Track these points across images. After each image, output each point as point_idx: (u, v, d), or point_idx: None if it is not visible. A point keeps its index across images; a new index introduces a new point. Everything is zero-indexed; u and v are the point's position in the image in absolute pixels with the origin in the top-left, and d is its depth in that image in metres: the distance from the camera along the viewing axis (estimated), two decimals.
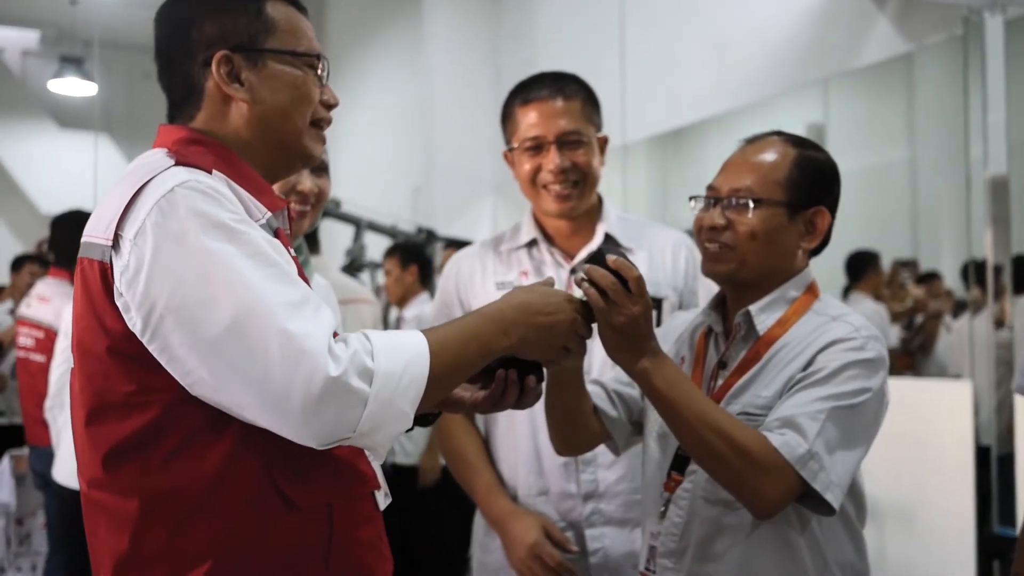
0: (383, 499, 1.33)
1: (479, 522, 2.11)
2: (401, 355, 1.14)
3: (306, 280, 1.24)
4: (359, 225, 5.55)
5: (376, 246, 5.71)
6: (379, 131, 7.90)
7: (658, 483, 1.60)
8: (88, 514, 1.23)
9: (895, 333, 4.29)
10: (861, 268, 4.37)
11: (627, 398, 1.70)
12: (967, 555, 3.21)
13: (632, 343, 1.42)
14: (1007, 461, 3.26)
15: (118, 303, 1.14)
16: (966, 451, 3.25)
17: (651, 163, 5.71)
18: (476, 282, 2.07)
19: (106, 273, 1.15)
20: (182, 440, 1.16)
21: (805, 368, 1.48)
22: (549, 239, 2.07)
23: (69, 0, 7.32)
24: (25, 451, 4.18)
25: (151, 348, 1.13)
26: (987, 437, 3.37)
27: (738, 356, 1.57)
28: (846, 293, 4.38)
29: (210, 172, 1.19)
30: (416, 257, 4.65)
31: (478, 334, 1.24)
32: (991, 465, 3.32)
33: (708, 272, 1.59)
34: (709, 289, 1.91)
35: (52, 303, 3.85)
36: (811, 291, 1.60)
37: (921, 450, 3.38)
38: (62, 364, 3.38)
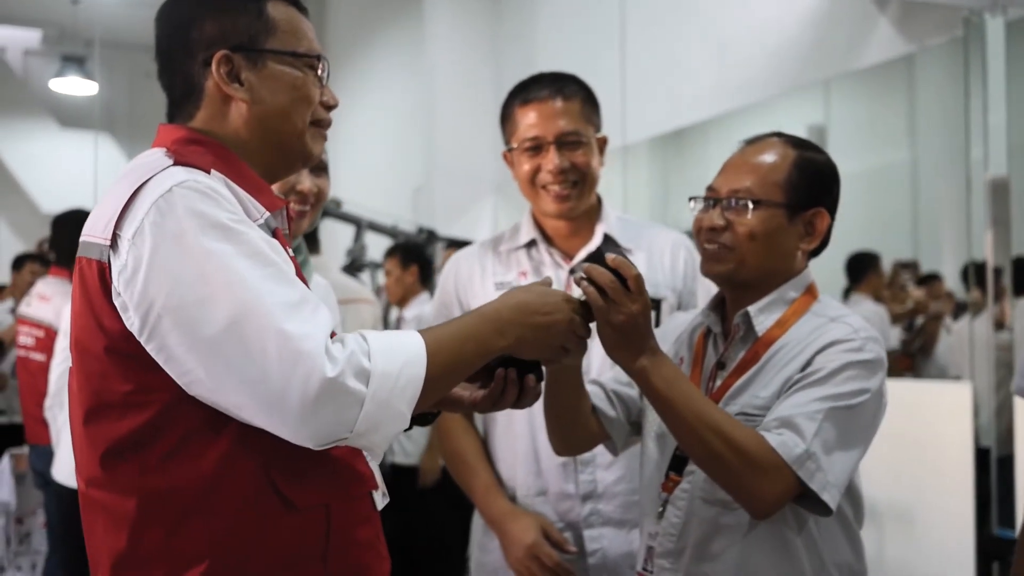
0: (381, 499, 1.33)
1: (477, 522, 2.11)
2: (398, 356, 1.14)
3: (304, 280, 1.24)
4: (360, 225, 5.55)
5: (377, 246, 5.71)
6: (380, 131, 7.91)
7: (656, 483, 1.61)
8: (86, 513, 1.23)
9: (895, 334, 4.29)
10: (861, 269, 4.37)
11: (626, 398, 1.70)
12: (966, 557, 3.21)
13: (631, 342, 1.42)
14: (1007, 463, 3.26)
15: (116, 303, 1.15)
16: (966, 453, 3.24)
17: (652, 164, 5.70)
18: (475, 282, 2.07)
19: (104, 272, 1.16)
20: (180, 440, 1.16)
21: (803, 369, 1.48)
22: (548, 239, 2.07)
23: None
24: (25, 450, 4.18)
25: (148, 348, 1.13)
26: (987, 439, 3.36)
27: (737, 357, 1.57)
28: (846, 294, 4.38)
29: (208, 172, 1.19)
30: (416, 257, 4.65)
31: (475, 334, 1.24)
32: (991, 467, 3.32)
33: (707, 272, 1.59)
34: (708, 290, 1.91)
35: (52, 302, 3.85)
36: (810, 292, 1.60)
37: (921, 452, 3.37)
38: (62, 363, 3.38)
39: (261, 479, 1.17)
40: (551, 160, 1.96)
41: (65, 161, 8.07)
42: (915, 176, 4.42)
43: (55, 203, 5.46)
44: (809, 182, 1.56)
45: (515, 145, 2.02)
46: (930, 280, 4.26)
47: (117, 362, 1.16)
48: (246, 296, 1.10)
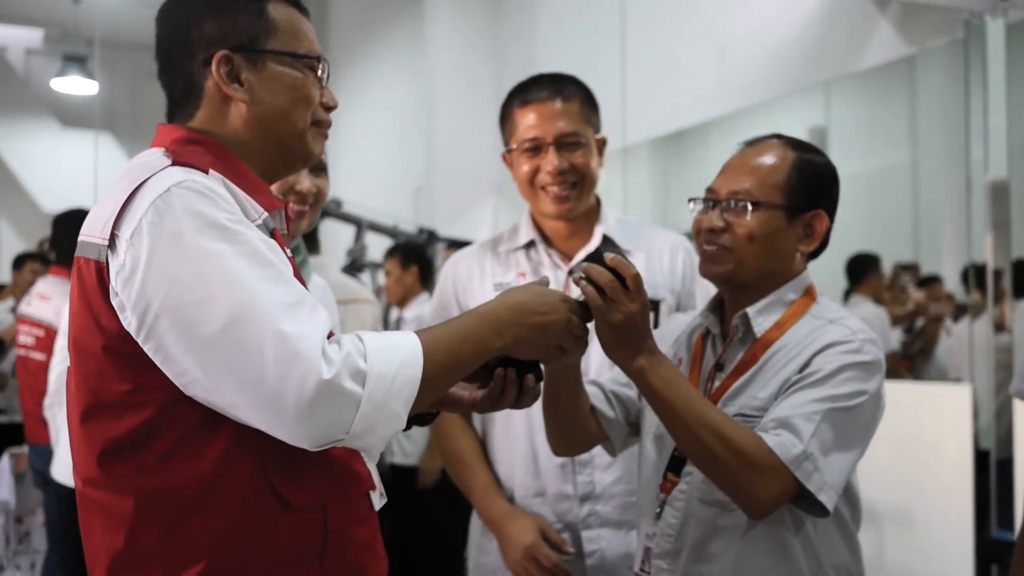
0: (378, 499, 1.33)
1: (476, 523, 2.11)
2: (394, 356, 1.14)
3: (302, 281, 1.24)
4: (360, 225, 5.55)
5: (377, 246, 5.71)
6: (381, 131, 7.91)
7: (654, 484, 1.61)
8: (83, 512, 1.23)
9: (896, 336, 4.29)
10: (862, 271, 4.37)
11: (624, 399, 1.70)
12: (966, 559, 3.21)
13: (629, 341, 1.42)
14: (1006, 465, 3.26)
15: (113, 302, 1.15)
16: (965, 455, 3.24)
17: (652, 165, 5.71)
18: (474, 283, 2.07)
19: (102, 272, 1.16)
20: (177, 440, 1.16)
21: (801, 370, 1.49)
22: (547, 240, 2.07)
23: None
24: (25, 449, 4.18)
25: (146, 348, 1.13)
26: (986, 441, 3.37)
27: (735, 358, 1.58)
28: (847, 296, 4.38)
29: (207, 172, 1.19)
30: (416, 258, 4.65)
31: (472, 334, 1.24)
32: (990, 469, 3.32)
33: (706, 273, 1.60)
34: (707, 291, 1.91)
35: (52, 301, 3.85)
36: (808, 294, 1.60)
37: (920, 454, 3.37)
38: (61, 362, 3.38)
39: (258, 479, 1.17)
40: (550, 161, 1.96)
41: (66, 161, 8.06)
42: (916, 178, 4.42)
43: (56, 202, 5.47)
44: (808, 184, 1.56)
45: (514, 146, 2.02)
46: (930, 282, 4.26)
47: (115, 362, 1.16)
48: (244, 296, 1.10)
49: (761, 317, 1.56)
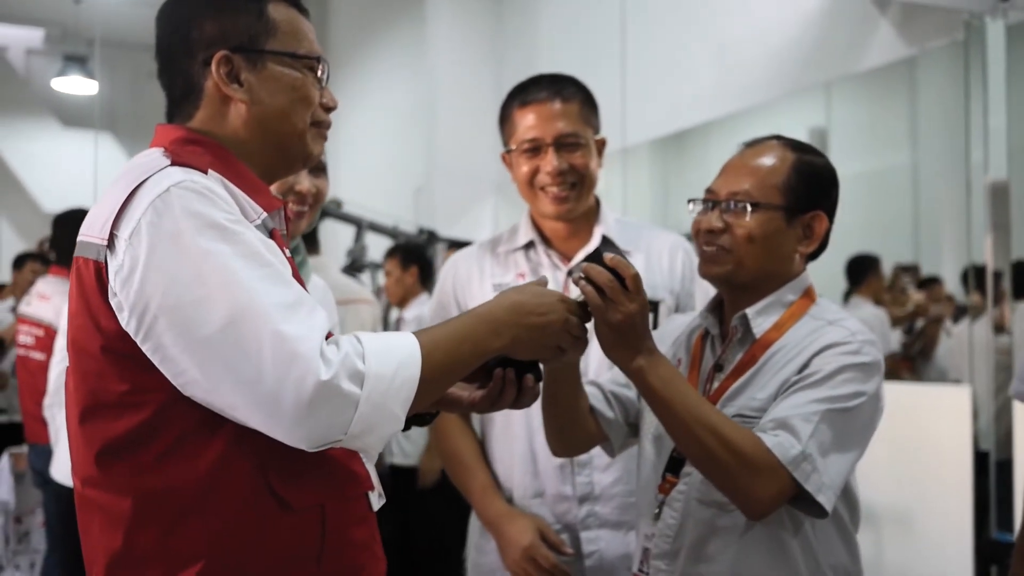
0: (377, 500, 1.33)
1: (474, 524, 2.11)
2: (392, 357, 1.14)
3: (301, 281, 1.24)
4: (360, 225, 5.55)
5: (377, 247, 5.71)
6: (381, 131, 7.91)
7: (653, 485, 1.61)
8: (82, 512, 1.23)
9: (896, 337, 4.29)
10: (862, 272, 4.38)
11: (624, 399, 1.70)
12: (965, 560, 3.21)
13: (628, 341, 1.42)
14: (1005, 467, 3.27)
15: (112, 303, 1.15)
16: (965, 456, 3.25)
17: (653, 166, 5.71)
18: (473, 284, 2.07)
19: (101, 272, 1.16)
20: (175, 440, 1.16)
21: (800, 371, 1.49)
22: (546, 241, 2.07)
23: None
24: (24, 449, 4.18)
25: (144, 348, 1.13)
26: (986, 442, 3.37)
27: (734, 359, 1.58)
28: (847, 297, 4.38)
29: (206, 172, 1.19)
30: (416, 258, 4.65)
31: (470, 335, 1.24)
32: (989, 470, 3.32)
33: (705, 274, 1.60)
34: (706, 292, 1.92)
35: (52, 301, 3.85)
36: (808, 295, 1.60)
37: (920, 455, 3.38)
38: (61, 362, 3.38)
39: (257, 480, 1.17)
40: (549, 162, 1.96)
41: (66, 161, 8.06)
42: (916, 179, 4.42)
43: (56, 202, 5.46)
44: (808, 185, 1.57)
45: (513, 147, 2.02)
46: (930, 283, 4.26)
47: (113, 362, 1.16)
48: (242, 297, 1.10)
49: (760, 318, 1.56)
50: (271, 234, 1.25)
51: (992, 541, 3.24)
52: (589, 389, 1.68)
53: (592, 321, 1.40)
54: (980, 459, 3.31)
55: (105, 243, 1.15)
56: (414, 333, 1.20)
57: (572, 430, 1.65)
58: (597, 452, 1.81)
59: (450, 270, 2.13)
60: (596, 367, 1.95)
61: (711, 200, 1.58)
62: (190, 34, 1.27)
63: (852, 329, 1.52)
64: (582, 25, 5.68)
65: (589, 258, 1.43)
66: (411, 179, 7.04)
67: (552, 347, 1.33)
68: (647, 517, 1.61)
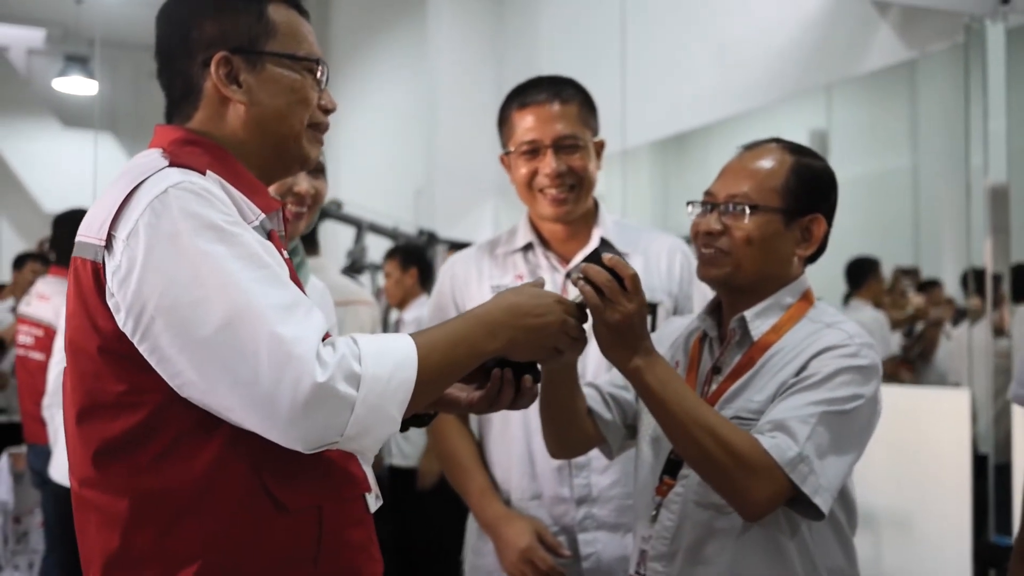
0: (374, 501, 1.33)
1: (472, 526, 2.11)
2: (388, 359, 1.14)
3: (299, 283, 1.24)
4: (360, 227, 5.55)
5: (377, 248, 5.71)
6: (382, 133, 7.92)
7: (650, 487, 1.61)
8: (79, 512, 1.23)
9: (896, 340, 4.29)
10: (861, 275, 4.37)
11: (622, 401, 1.70)
12: (963, 564, 3.21)
13: (626, 341, 1.42)
14: (1004, 470, 3.27)
15: (109, 303, 1.15)
16: (964, 459, 3.25)
17: (653, 168, 5.71)
18: (471, 285, 2.07)
19: (98, 273, 1.16)
20: (172, 441, 1.16)
21: (798, 373, 1.49)
22: (545, 243, 2.07)
23: None
24: (23, 449, 4.18)
25: (141, 348, 1.13)
26: (985, 446, 3.37)
27: (732, 361, 1.58)
28: (846, 300, 4.38)
29: (204, 173, 1.19)
30: (416, 259, 4.65)
31: (467, 337, 1.24)
32: (988, 474, 3.32)
33: (703, 276, 1.60)
34: (704, 295, 1.92)
35: (52, 301, 3.85)
36: (806, 298, 1.60)
37: (919, 458, 3.37)
38: (60, 362, 3.38)
39: (253, 481, 1.17)
40: (548, 164, 1.96)
41: (66, 161, 8.07)
42: (916, 181, 4.42)
43: (56, 202, 5.47)
44: (806, 188, 1.57)
45: (512, 148, 2.02)
46: (930, 286, 4.26)
47: (110, 362, 1.16)
48: (239, 298, 1.10)
49: (758, 320, 1.56)
50: (269, 235, 1.25)
51: (991, 544, 3.23)
52: (587, 391, 1.68)
53: (590, 322, 1.40)
54: (979, 462, 3.30)
55: (103, 244, 1.15)
56: (411, 335, 1.20)
57: (570, 432, 1.65)
58: (595, 454, 1.81)
59: (448, 272, 2.13)
60: (594, 369, 1.95)
61: (710, 202, 1.59)
62: (190, 34, 1.27)
63: (850, 332, 1.52)
64: (582, 27, 5.68)
65: (588, 259, 1.43)
66: (411, 180, 7.04)
67: (549, 348, 1.33)
68: (644, 519, 1.61)
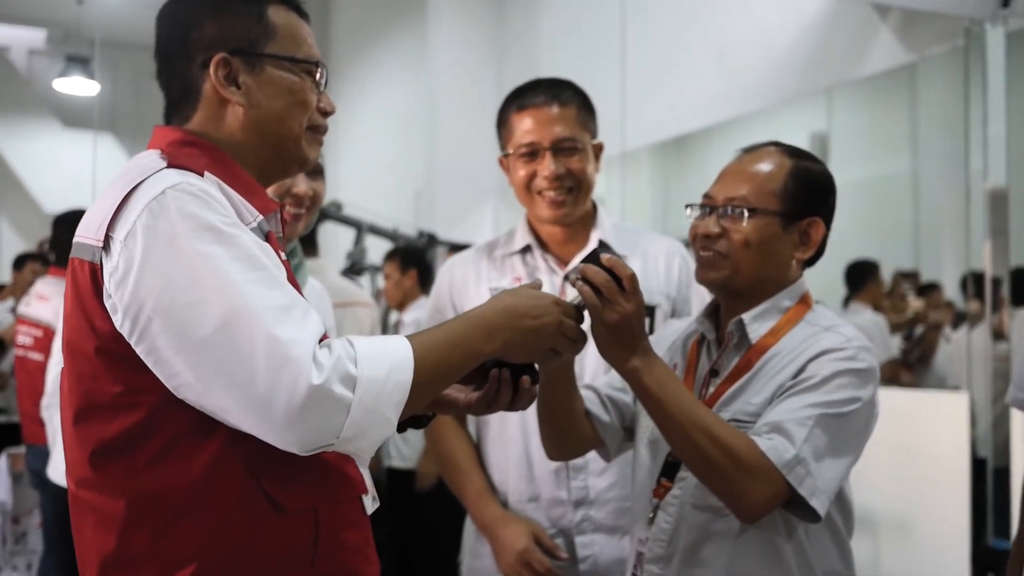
0: (371, 503, 1.33)
1: (469, 528, 2.11)
2: (385, 361, 1.14)
3: (297, 284, 1.24)
4: (360, 228, 5.55)
5: (377, 249, 5.71)
6: (382, 134, 7.92)
7: (648, 489, 1.61)
8: (75, 513, 1.23)
9: (895, 344, 4.29)
10: (861, 278, 4.37)
11: (619, 403, 1.70)
12: (962, 567, 3.21)
13: (624, 341, 1.43)
14: (1003, 474, 3.27)
15: (107, 304, 1.15)
16: (962, 463, 3.25)
17: (653, 170, 5.71)
18: (470, 288, 2.07)
19: (96, 274, 1.16)
20: (169, 442, 1.16)
21: (796, 376, 1.49)
22: (543, 245, 2.07)
23: None
24: (22, 449, 4.18)
25: (138, 349, 1.13)
26: (984, 449, 3.37)
27: (730, 364, 1.58)
28: (846, 303, 4.38)
29: (202, 174, 1.19)
30: (416, 261, 4.65)
31: (463, 339, 1.24)
32: (987, 477, 3.32)
33: (702, 279, 1.60)
34: (702, 298, 1.92)
35: (51, 302, 3.85)
36: (804, 302, 1.61)
37: (917, 461, 3.37)
38: (59, 363, 3.35)
39: (249, 482, 1.17)
40: (547, 166, 1.96)
41: (66, 161, 8.07)
42: (916, 185, 4.43)
43: (56, 203, 5.47)
44: (805, 192, 1.57)
45: (511, 151, 2.02)
46: (929, 289, 4.26)
47: (108, 363, 1.16)
48: (236, 300, 1.10)
49: (756, 323, 1.56)
50: (267, 237, 1.25)
51: (989, 548, 3.23)
52: (585, 393, 1.68)
53: (587, 323, 1.40)
54: (978, 466, 3.31)
55: (100, 245, 1.15)
56: (407, 337, 1.20)
57: (567, 434, 1.65)
58: (592, 456, 1.81)
59: (446, 274, 2.13)
60: (592, 371, 1.95)
61: (708, 205, 1.59)
62: (189, 36, 1.27)
63: (848, 335, 1.52)
64: (583, 28, 5.69)
65: (586, 259, 1.44)
66: (411, 182, 7.05)
67: (546, 350, 1.33)
68: (641, 521, 1.61)
